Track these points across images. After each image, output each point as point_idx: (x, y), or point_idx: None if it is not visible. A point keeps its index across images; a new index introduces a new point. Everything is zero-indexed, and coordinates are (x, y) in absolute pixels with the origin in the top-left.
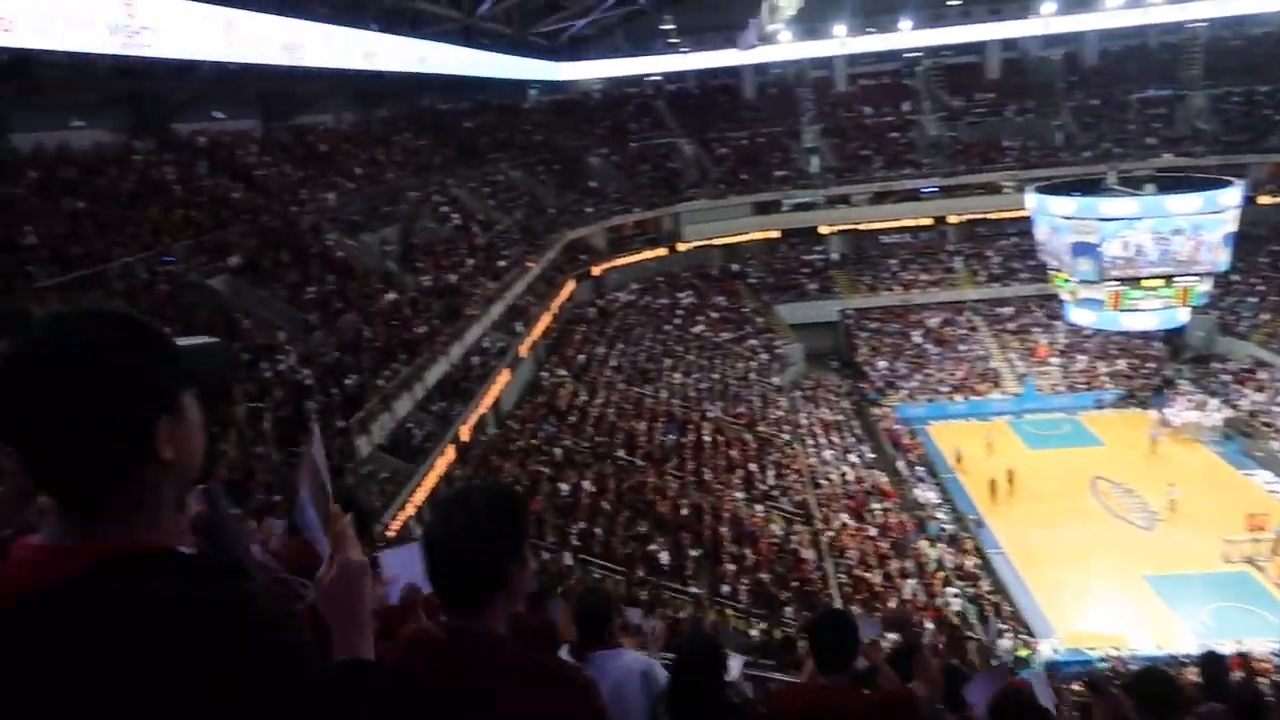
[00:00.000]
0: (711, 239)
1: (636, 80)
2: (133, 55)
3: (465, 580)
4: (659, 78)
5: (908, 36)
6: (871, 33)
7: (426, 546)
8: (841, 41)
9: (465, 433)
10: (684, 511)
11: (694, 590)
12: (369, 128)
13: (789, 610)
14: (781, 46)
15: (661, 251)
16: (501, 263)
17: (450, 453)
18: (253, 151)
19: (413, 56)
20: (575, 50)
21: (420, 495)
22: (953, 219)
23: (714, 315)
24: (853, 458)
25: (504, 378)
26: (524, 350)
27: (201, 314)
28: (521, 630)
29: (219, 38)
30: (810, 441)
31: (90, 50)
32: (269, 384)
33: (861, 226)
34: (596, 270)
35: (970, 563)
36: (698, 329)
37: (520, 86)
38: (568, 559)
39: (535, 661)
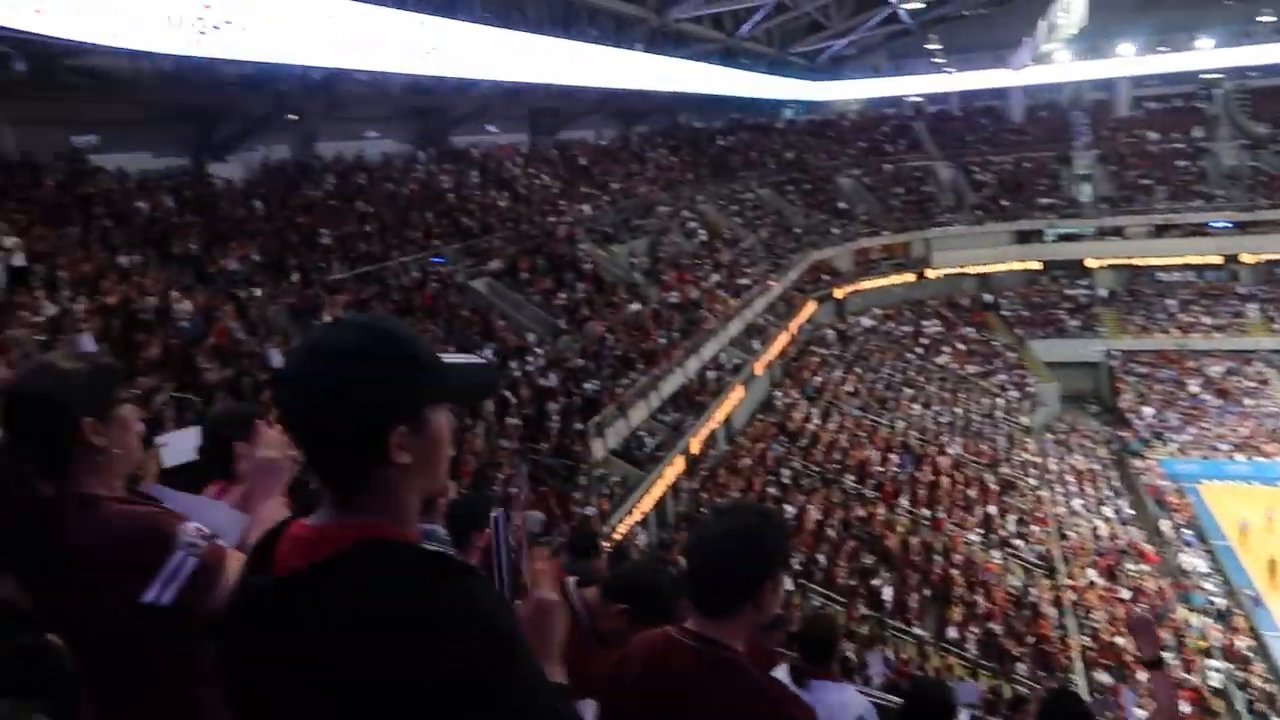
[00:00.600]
0: (964, 267)
1: (895, 101)
2: (423, 74)
3: (720, 588)
4: (919, 98)
5: (1207, 56)
6: (1163, 52)
7: (689, 549)
8: (1127, 61)
9: (695, 445)
10: (913, 548)
11: (918, 631)
12: (626, 143)
13: (1022, 667)
14: (1057, 66)
15: (909, 277)
16: (744, 280)
17: (679, 464)
18: (519, 163)
19: (673, 76)
20: (834, 70)
21: (648, 502)
22: (1247, 258)
23: (961, 347)
24: (1107, 511)
25: (737, 394)
26: (759, 368)
27: (463, 313)
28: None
29: (499, 58)
30: (1059, 489)
31: (389, 69)
32: (516, 383)
33: (1136, 262)
34: (839, 293)
35: (1242, 643)
36: (942, 360)
37: (775, 105)
38: (787, 583)
39: (766, 684)
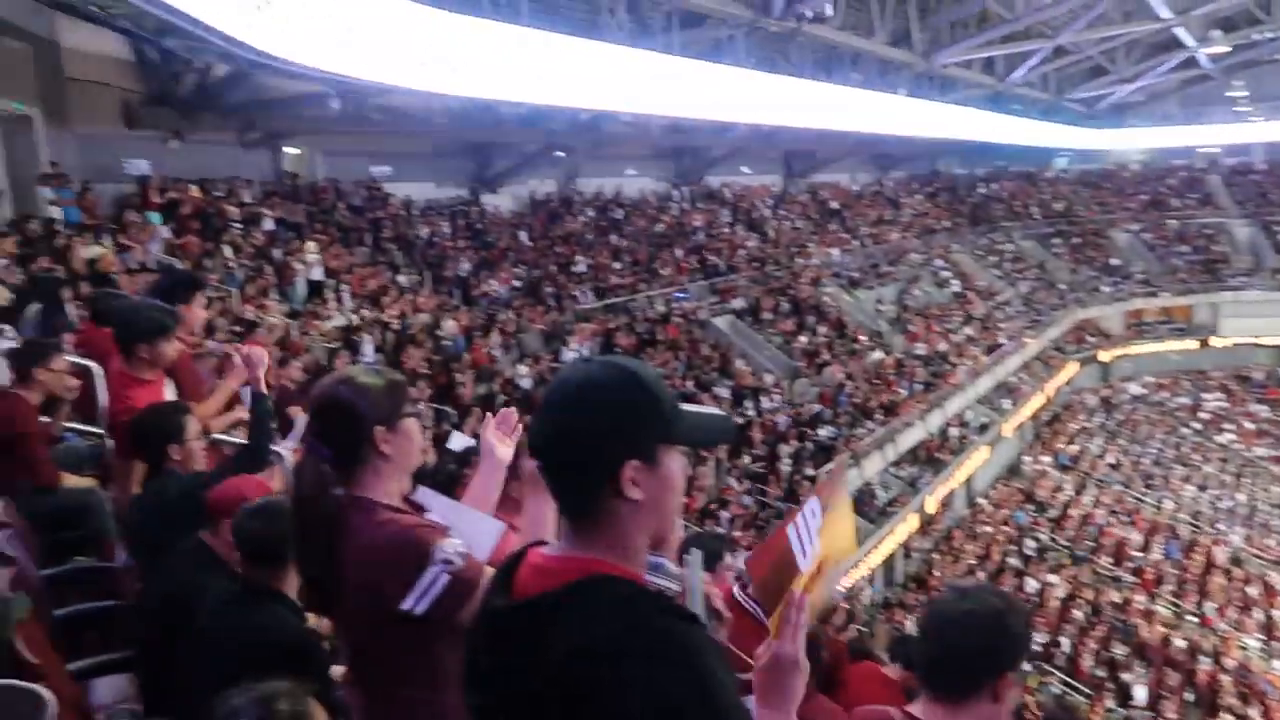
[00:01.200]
0: (1258, 337)
1: (1186, 151)
2: (683, 116)
3: (959, 673)
4: (1216, 149)
5: None
6: None
7: (927, 628)
8: None
9: (931, 504)
10: (1176, 645)
11: None
12: (881, 188)
13: None
14: None
15: (1189, 344)
16: (998, 336)
17: (912, 521)
18: (769, 204)
19: (936, 121)
20: (1116, 117)
21: (876, 558)
22: None
23: (1249, 425)
24: None
25: (981, 455)
26: (1008, 430)
27: (703, 349)
28: None
29: (759, 102)
30: None
31: (651, 112)
32: (750, 424)
33: None
34: (1105, 356)
35: None
36: (1224, 438)
37: (1046, 154)
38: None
39: None
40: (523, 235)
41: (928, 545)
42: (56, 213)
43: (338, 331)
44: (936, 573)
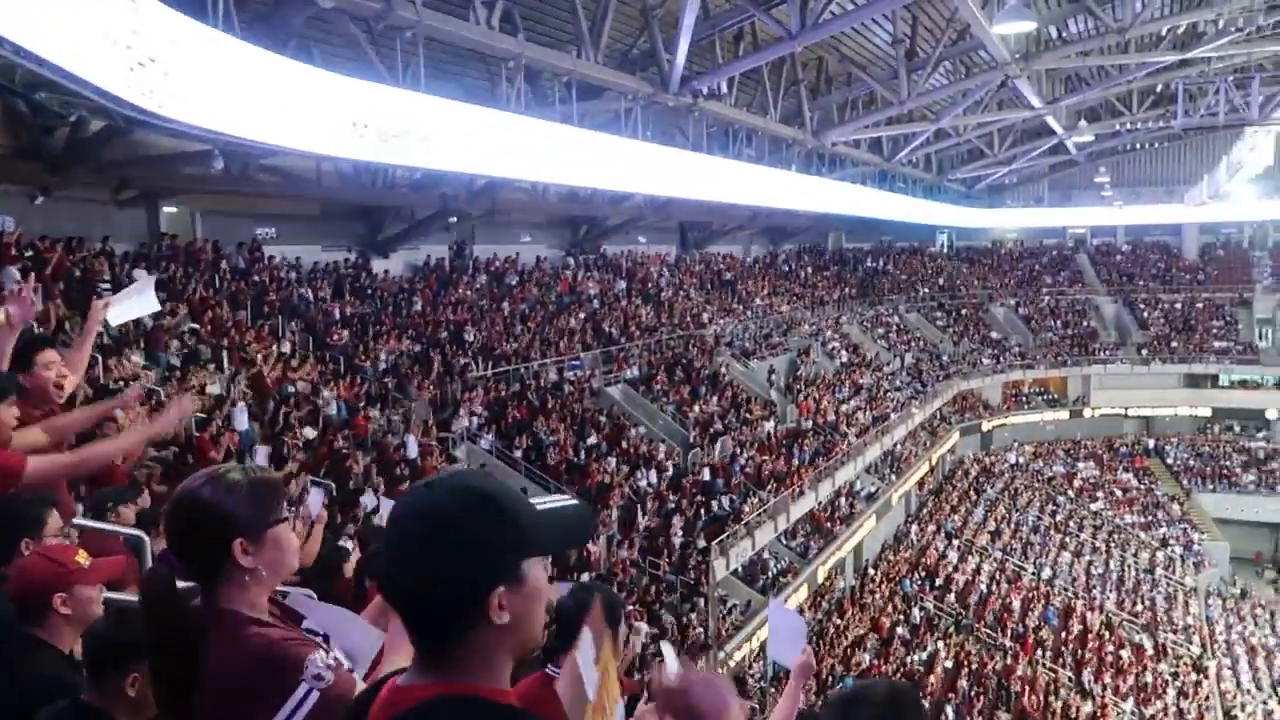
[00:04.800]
0: (1125, 408)
1: (1058, 231)
2: (580, 185)
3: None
4: (1083, 230)
5: None
6: None
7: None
8: None
9: (822, 574)
10: (1055, 710)
11: None
12: (773, 260)
13: None
14: (1239, 204)
15: (1062, 415)
16: (885, 405)
17: (803, 591)
18: (664, 274)
19: (824, 197)
20: (993, 197)
21: (765, 631)
22: None
23: (1118, 493)
24: None
25: (869, 524)
26: (895, 498)
27: (598, 418)
28: None
29: (655, 173)
30: (1226, 661)
31: (548, 180)
32: (643, 494)
33: None
34: (985, 425)
35: None
36: (1097, 505)
37: (928, 230)
38: None
39: None
40: (414, 301)
41: (819, 616)
42: None
43: (214, 400)
44: (825, 644)
